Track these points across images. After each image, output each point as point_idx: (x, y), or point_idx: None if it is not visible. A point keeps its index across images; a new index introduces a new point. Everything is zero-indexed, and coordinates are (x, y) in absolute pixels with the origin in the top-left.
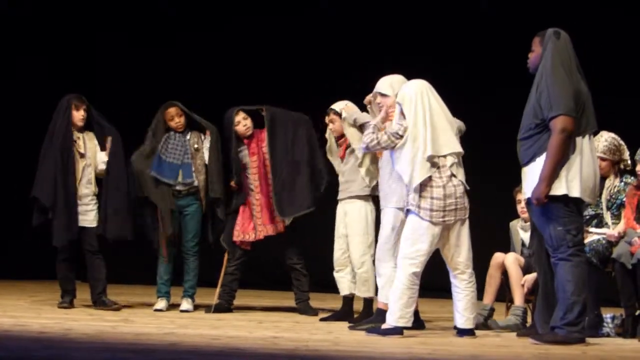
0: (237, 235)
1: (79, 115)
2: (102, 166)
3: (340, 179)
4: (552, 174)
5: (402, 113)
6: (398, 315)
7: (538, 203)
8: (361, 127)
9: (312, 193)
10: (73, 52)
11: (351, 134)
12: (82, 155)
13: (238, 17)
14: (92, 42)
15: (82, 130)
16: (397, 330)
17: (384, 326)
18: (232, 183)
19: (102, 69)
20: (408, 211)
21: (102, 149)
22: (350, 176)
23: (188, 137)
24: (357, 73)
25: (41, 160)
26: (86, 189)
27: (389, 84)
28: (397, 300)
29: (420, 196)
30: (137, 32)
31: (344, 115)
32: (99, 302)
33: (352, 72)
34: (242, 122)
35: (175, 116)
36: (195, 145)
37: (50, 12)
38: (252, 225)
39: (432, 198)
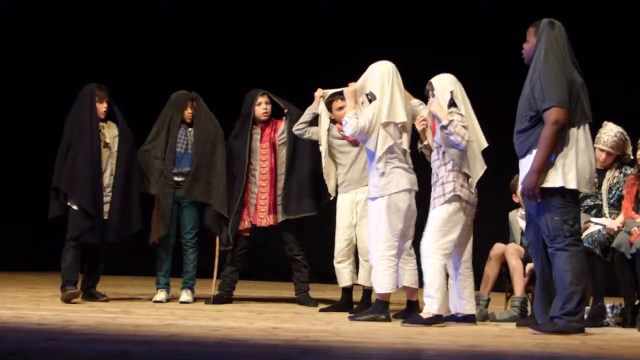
0: (242, 225)
1: (102, 108)
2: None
3: (345, 170)
4: (543, 166)
5: (453, 104)
6: (440, 304)
7: (530, 194)
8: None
9: (317, 199)
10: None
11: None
12: (107, 145)
13: (233, 9)
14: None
15: (104, 120)
16: (441, 320)
17: (425, 315)
18: None
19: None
20: (444, 201)
21: None
22: (361, 164)
23: (190, 129)
24: (352, 64)
25: (71, 155)
26: (108, 180)
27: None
28: (437, 290)
29: (462, 186)
30: (136, 28)
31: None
32: (88, 293)
33: (348, 63)
34: (263, 105)
35: (189, 107)
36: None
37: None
38: (247, 212)
39: (468, 190)
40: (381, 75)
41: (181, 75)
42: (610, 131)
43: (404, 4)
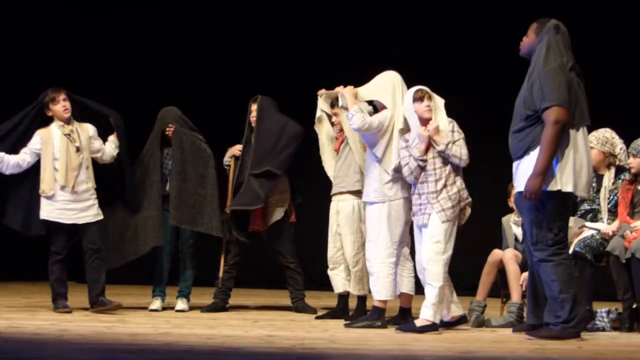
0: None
1: (60, 108)
2: (114, 151)
3: (333, 174)
4: (546, 167)
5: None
6: (436, 311)
7: (533, 197)
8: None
9: (261, 190)
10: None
11: (343, 119)
12: (78, 149)
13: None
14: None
15: (69, 122)
16: (435, 327)
17: (419, 323)
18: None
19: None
20: (436, 212)
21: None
22: (342, 171)
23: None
24: (354, 67)
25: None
26: (85, 184)
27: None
28: (436, 296)
29: (449, 198)
30: (137, 31)
31: (340, 103)
32: (98, 302)
33: (350, 66)
34: (253, 113)
35: (169, 127)
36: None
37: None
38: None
39: (450, 199)
40: (392, 85)
41: (179, 80)
42: (595, 131)
43: (406, 4)
